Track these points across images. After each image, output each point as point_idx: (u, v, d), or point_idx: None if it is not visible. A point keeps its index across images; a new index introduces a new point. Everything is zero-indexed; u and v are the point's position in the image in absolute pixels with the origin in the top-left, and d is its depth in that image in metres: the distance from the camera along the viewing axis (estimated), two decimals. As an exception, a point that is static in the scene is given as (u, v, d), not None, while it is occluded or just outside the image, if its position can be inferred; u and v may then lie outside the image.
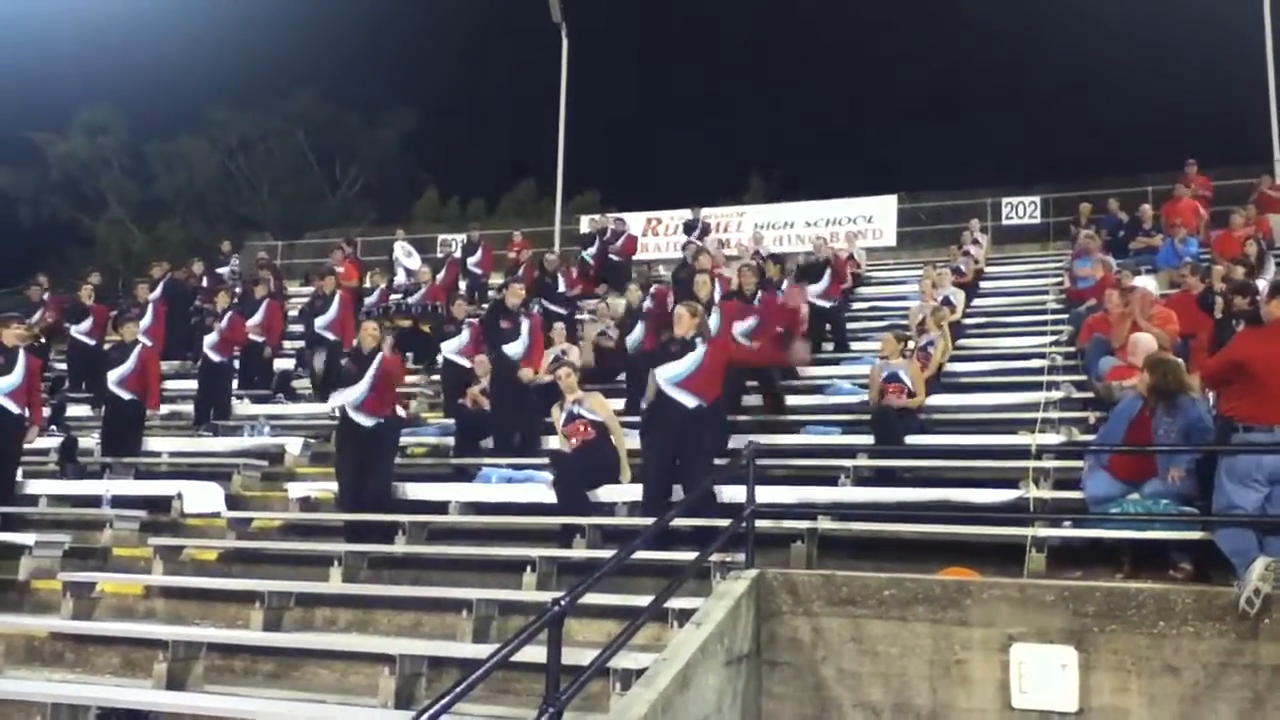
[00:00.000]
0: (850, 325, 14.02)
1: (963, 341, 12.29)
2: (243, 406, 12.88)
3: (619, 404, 10.05)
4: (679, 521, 6.61)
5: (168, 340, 14.35)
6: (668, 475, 7.73)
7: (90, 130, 37.51)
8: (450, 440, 10.49)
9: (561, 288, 15.59)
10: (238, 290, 15.61)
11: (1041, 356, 10.94)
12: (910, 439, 8.91)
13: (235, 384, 13.52)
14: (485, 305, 13.72)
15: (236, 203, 38.77)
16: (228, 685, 6.24)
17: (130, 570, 8.35)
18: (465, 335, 11.59)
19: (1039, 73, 39.56)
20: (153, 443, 11.19)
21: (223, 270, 18.73)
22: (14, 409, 9.29)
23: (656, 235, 22.11)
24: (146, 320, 13.57)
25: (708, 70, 45.35)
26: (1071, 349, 11.14)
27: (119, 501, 9.33)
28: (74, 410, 13.16)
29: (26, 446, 9.75)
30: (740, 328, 10.12)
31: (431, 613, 6.76)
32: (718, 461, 7.70)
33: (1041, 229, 20.66)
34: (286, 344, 15.17)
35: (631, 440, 8.51)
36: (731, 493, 7.18)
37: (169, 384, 13.32)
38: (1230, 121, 26.20)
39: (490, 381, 10.33)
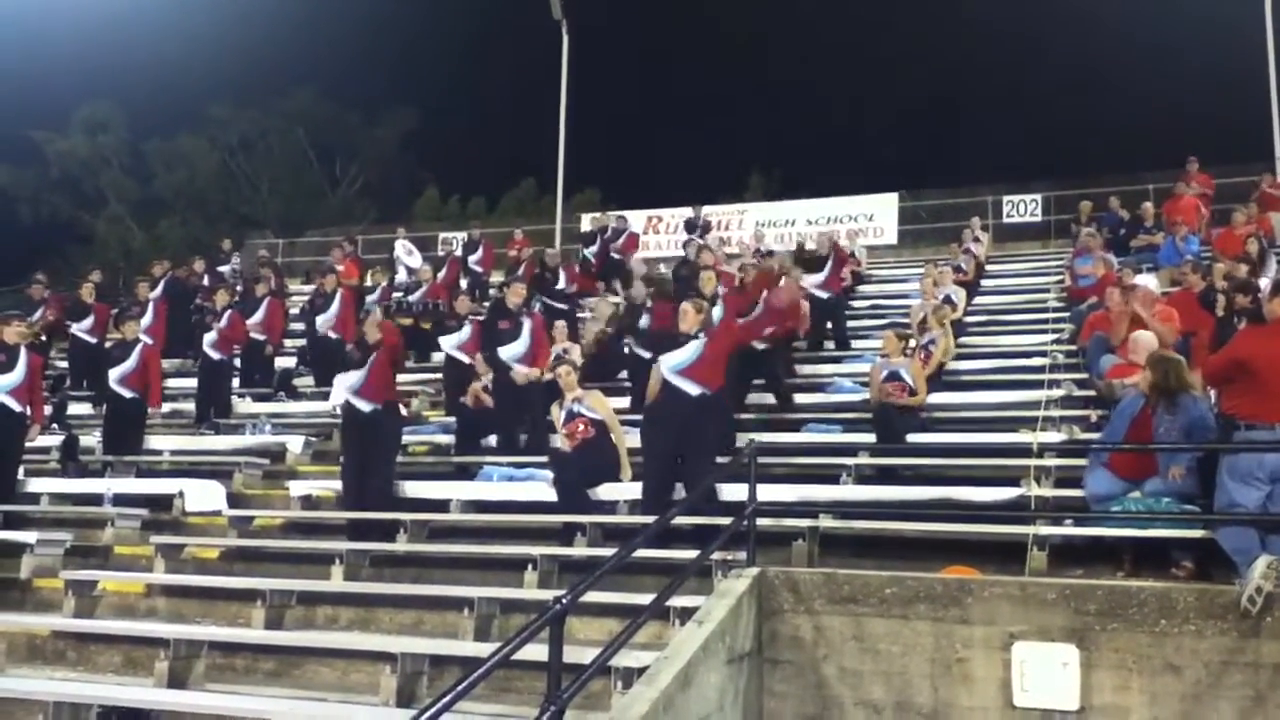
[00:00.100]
0: (851, 323, 14.01)
1: (964, 339, 12.28)
2: (244, 405, 12.89)
3: (621, 402, 10.05)
4: (680, 520, 6.60)
5: (169, 339, 14.36)
6: (668, 473, 7.77)
7: (90, 128, 37.49)
8: (451, 439, 10.49)
9: (562, 283, 15.57)
10: (238, 289, 15.63)
11: (1043, 355, 10.93)
12: (911, 437, 8.91)
13: (236, 382, 13.54)
14: (487, 304, 13.72)
15: (237, 201, 38.74)
16: (229, 684, 6.25)
17: (132, 568, 8.36)
18: (467, 331, 11.60)
19: (1040, 71, 39.55)
20: (154, 441, 11.19)
21: (224, 269, 18.75)
22: (15, 407, 9.30)
23: (657, 233, 22.12)
24: (147, 318, 13.57)
25: (708, 68, 45.36)
26: (1073, 347, 11.13)
27: (120, 500, 9.33)
28: (75, 408, 13.16)
29: (28, 445, 9.77)
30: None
31: (433, 611, 6.77)
32: (724, 458, 7.71)
33: (1042, 227, 20.64)
34: (287, 342, 15.19)
35: (632, 439, 8.51)
36: (733, 491, 7.19)
37: (170, 382, 13.32)
38: (1231, 119, 26.18)
39: (493, 380, 10.33)
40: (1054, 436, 8.43)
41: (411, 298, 15.23)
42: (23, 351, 9.46)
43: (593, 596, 5.24)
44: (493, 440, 10.10)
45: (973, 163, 33.28)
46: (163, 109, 37.17)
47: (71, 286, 17.56)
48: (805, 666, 5.85)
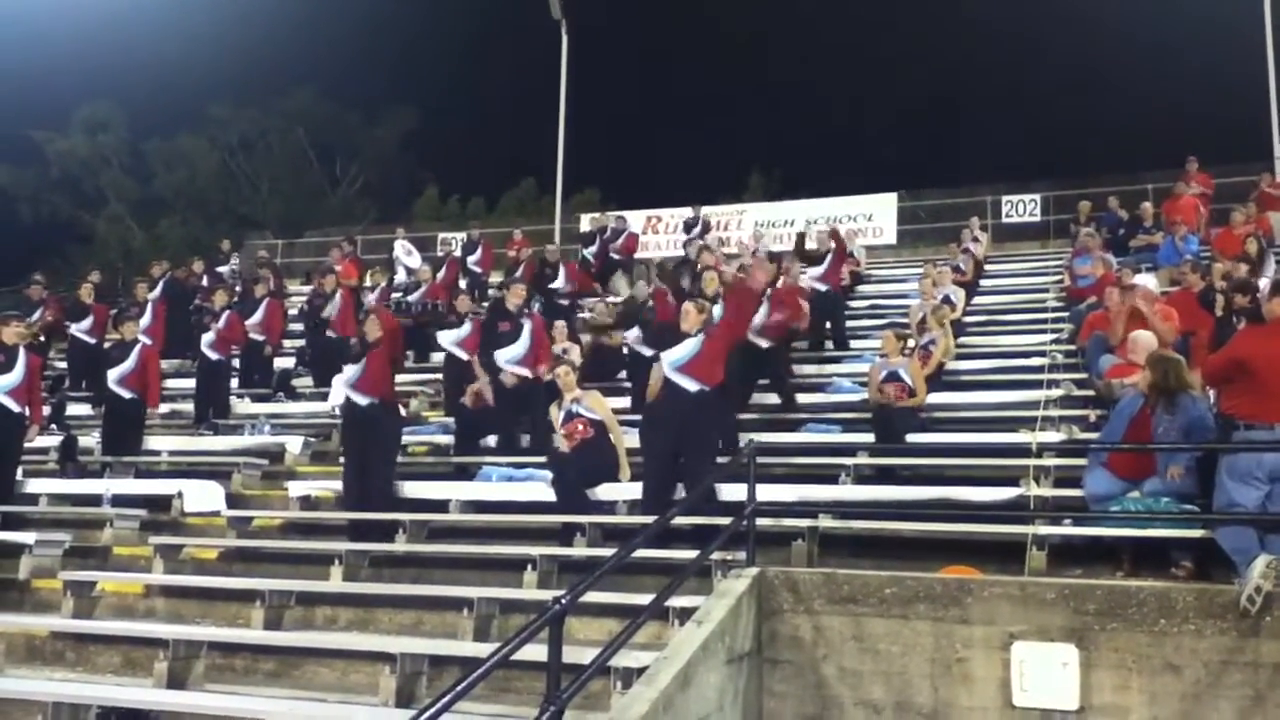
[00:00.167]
0: (850, 323, 14.01)
1: (963, 339, 12.28)
2: (243, 405, 12.88)
3: (620, 403, 10.05)
4: (680, 520, 6.60)
5: (168, 339, 14.35)
6: (668, 473, 7.77)
7: (90, 128, 37.49)
8: (451, 439, 10.49)
9: (562, 279, 15.53)
10: (237, 289, 15.62)
11: (1042, 354, 10.94)
12: (911, 437, 8.90)
13: (235, 383, 13.54)
14: (486, 304, 13.71)
15: (236, 201, 38.71)
16: (228, 684, 6.24)
17: (131, 569, 8.35)
18: (467, 327, 11.60)
19: (1039, 71, 39.55)
20: (153, 441, 11.18)
21: (223, 269, 18.74)
22: (14, 407, 9.29)
23: (657, 233, 22.11)
24: (146, 319, 13.57)
25: (708, 68, 45.33)
26: (1072, 347, 11.14)
27: (119, 500, 9.32)
28: (74, 409, 13.16)
29: (27, 445, 9.76)
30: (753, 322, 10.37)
31: (432, 611, 6.76)
32: (725, 458, 7.72)
33: (1041, 227, 20.63)
34: (286, 343, 15.18)
35: (631, 439, 8.51)
36: (732, 491, 7.18)
37: (169, 383, 13.32)
38: (1230, 119, 26.17)
39: (494, 386, 10.31)
40: (1053, 436, 8.43)
41: (411, 298, 15.23)
42: (21, 352, 9.45)
43: (592, 597, 5.23)
44: (492, 440, 10.10)
45: (972, 163, 33.33)
46: (163, 109, 37.25)
47: (71, 287, 17.57)
48: (805, 666, 5.85)
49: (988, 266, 16.63)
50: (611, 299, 15.06)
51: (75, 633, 7.04)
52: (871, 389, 9.51)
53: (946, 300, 12.26)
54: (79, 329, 14.50)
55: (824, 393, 11.09)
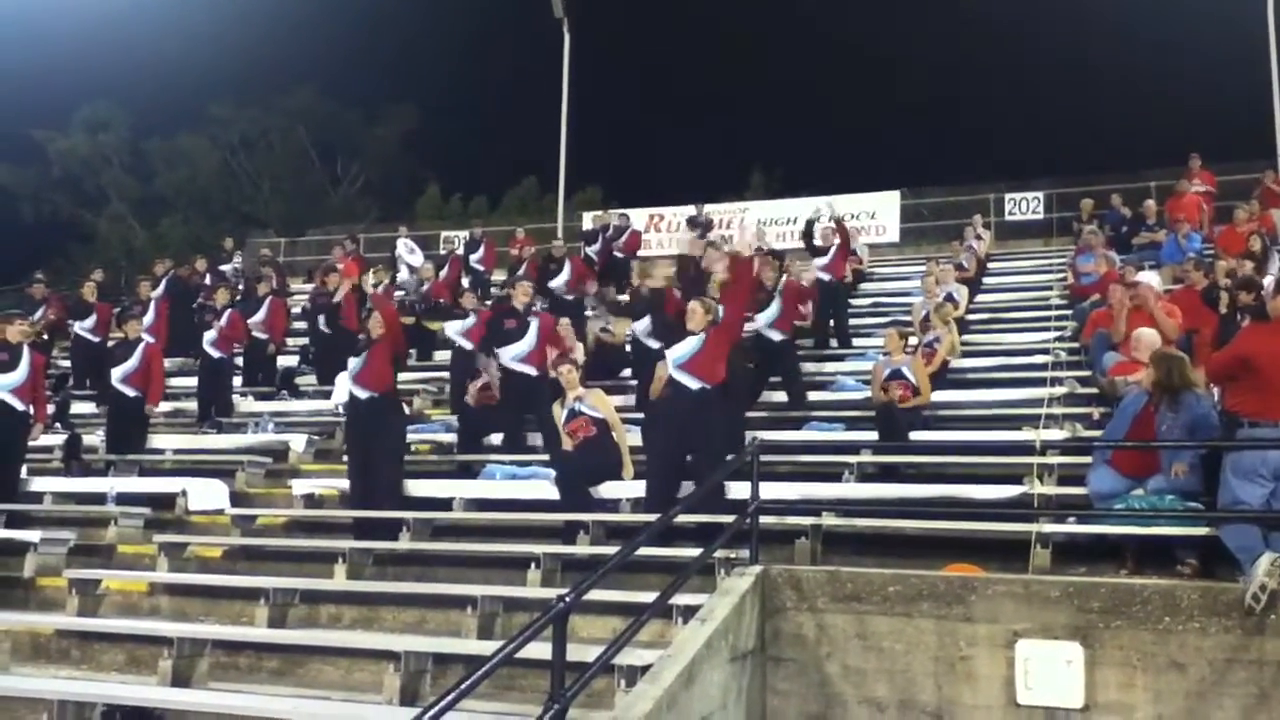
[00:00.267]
0: (853, 321, 14.01)
1: (966, 337, 12.29)
2: (247, 403, 12.90)
3: (622, 401, 10.04)
4: (683, 518, 6.60)
5: (171, 338, 14.36)
6: (671, 470, 7.77)
7: (91, 127, 37.54)
8: (454, 437, 10.49)
9: (566, 273, 15.48)
10: (240, 287, 15.63)
11: (1045, 352, 10.94)
12: (914, 435, 8.90)
13: (238, 381, 13.55)
14: (489, 302, 13.71)
15: (238, 200, 38.75)
16: (233, 682, 6.24)
17: (135, 567, 8.36)
18: (472, 319, 11.61)
19: (1042, 68, 39.58)
20: (157, 440, 11.20)
21: (225, 268, 18.76)
22: (18, 406, 9.30)
23: (659, 232, 22.11)
24: (149, 317, 13.57)
25: (710, 67, 45.31)
26: (1075, 344, 11.13)
27: (123, 499, 9.32)
28: (78, 407, 13.17)
29: (31, 444, 9.77)
30: (764, 317, 10.51)
31: (436, 609, 6.76)
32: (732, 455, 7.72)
33: (1044, 225, 20.61)
34: (290, 341, 15.19)
35: (634, 437, 8.50)
36: (736, 489, 7.19)
37: (172, 381, 13.32)
38: (1234, 116, 26.16)
39: (500, 379, 10.31)
40: (1057, 434, 8.43)
41: (413, 297, 15.23)
42: (25, 350, 9.47)
43: (596, 595, 5.22)
44: (496, 438, 10.10)
45: (975, 160, 33.32)
46: (163, 108, 37.31)
47: (74, 285, 17.59)
48: (808, 664, 5.85)
49: (991, 264, 16.64)
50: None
51: (80, 631, 7.04)
52: (875, 387, 9.51)
53: (949, 298, 12.26)
54: (82, 327, 14.52)
55: (827, 391, 11.09)
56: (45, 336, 14.63)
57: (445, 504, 8.57)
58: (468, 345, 11.31)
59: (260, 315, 13.94)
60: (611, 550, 5.83)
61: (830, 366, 12.20)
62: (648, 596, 5.54)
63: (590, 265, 17.53)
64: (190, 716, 5.68)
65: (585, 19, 24.71)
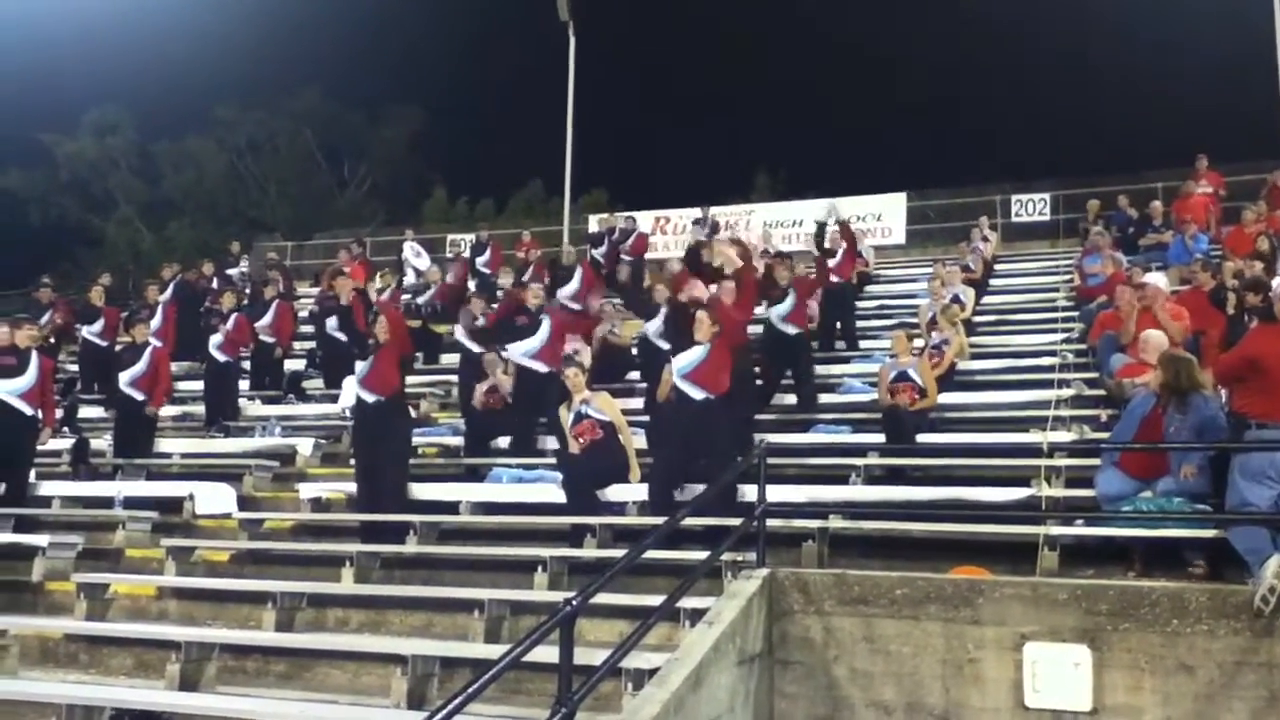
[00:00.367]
0: (860, 324, 13.99)
1: (973, 339, 12.26)
2: (254, 407, 12.93)
3: (629, 404, 10.04)
4: (690, 521, 6.60)
5: (178, 341, 14.39)
6: (676, 474, 7.78)
7: (98, 130, 37.64)
8: (461, 440, 10.49)
9: (576, 281, 15.45)
10: (246, 291, 15.66)
11: (1052, 354, 10.91)
12: (921, 438, 8.90)
13: (245, 385, 13.57)
14: (495, 305, 13.71)
15: (245, 204, 38.81)
16: (240, 686, 6.26)
17: (143, 571, 8.38)
18: (481, 321, 11.59)
19: (1044, 69, 39.51)
20: (164, 444, 11.24)
21: (232, 271, 18.80)
22: (27, 410, 9.32)
23: (665, 234, 22.11)
24: (157, 321, 13.60)
25: (713, 69, 45.28)
26: (1082, 346, 11.11)
27: (131, 503, 9.35)
28: (86, 412, 13.20)
29: (39, 448, 9.80)
30: (778, 311, 10.57)
31: (443, 613, 6.77)
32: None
33: (1051, 226, 20.55)
34: (296, 345, 15.22)
35: (640, 440, 8.51)
36: (743, 492, 7.19)
37: (179, 385, 13.36)
38: (1241, 116, 26.04)
39: (514, 382, 10.31)
40: (1064, 436, 8.42)
41: (420, 300, 15.24)
42: (33, 355, 9.49)
43: (603, 598, 5.23)
44: (504, 442, 10.10)
45: (981, 162, 33.27)
46: (170, 110, 37.34)
47: (81, 289, 17.63)
48: (816, 667, 5.84)
49: (997, 266, 16.59)
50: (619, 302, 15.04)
51: (88, 635, 7.06)
52: (881, 390, 9.50)
53: (956, 299, 12.24)
54: (90, 332, 14.55)
55: (834, 393, 11.08)
56: (53, 341, 14.69)
57: (452, 508, 8.58)
58: (476, 349, 11.24)
59: (267, 319, 13.97)
60: (618, 553, 5.84)
61: (837, 369, 12.18)
62: (655, 599, 5.54)
63: (597, 269, 17.54)
64: (198, 720, 5.70)
65: (588, 21, 24.71)
